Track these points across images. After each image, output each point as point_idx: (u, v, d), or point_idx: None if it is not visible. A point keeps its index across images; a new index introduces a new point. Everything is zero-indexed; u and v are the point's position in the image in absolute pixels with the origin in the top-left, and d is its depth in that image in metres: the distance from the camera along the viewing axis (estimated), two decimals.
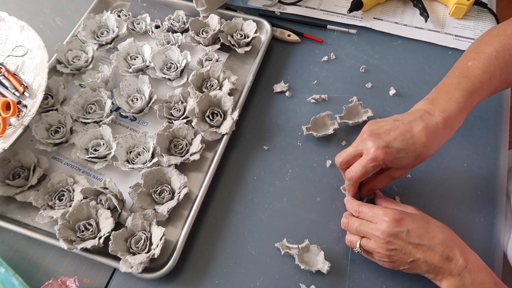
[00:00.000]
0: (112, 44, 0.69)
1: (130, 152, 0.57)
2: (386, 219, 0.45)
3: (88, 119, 0.60)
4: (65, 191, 0.54)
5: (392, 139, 0.45)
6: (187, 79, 0.64)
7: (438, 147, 0.47)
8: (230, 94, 0.61)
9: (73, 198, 0.54)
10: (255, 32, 0.67)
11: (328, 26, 0.71)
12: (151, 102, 0.61)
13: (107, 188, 0.53)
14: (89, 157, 0.57)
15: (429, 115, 0.46)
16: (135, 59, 0.66)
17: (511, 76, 0.50)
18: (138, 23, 0.72)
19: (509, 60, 0.49)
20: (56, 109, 0.61)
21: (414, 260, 0.44)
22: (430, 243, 0.43)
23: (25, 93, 0.60)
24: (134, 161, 0.57)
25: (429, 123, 0.46)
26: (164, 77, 0.64)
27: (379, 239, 0.45)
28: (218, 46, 0.68)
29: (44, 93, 0.56)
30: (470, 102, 0.48)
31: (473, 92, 0.48)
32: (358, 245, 0.48)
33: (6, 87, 0.60)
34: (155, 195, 0.54)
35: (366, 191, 0.52)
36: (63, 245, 0.49)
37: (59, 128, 0.59)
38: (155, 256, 0.49)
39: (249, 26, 0.68)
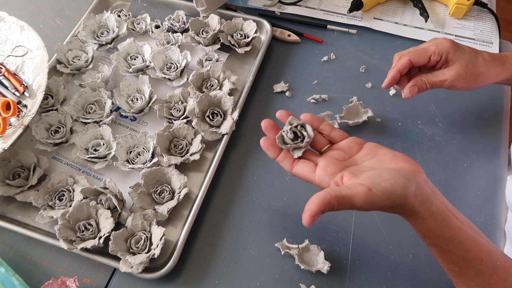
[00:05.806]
0: (112, 44, 0.69)
1: (130, 152, 0.57)
2: None
3: (88, 119, 0.60)
4: (65, 191, 0.54)
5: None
6: (187, 79, 0.64)
7: (491, 71, 0.51)
8: (230, 94, 0.61)
9: (73, 198, 0.54)
10: (255, 32, 0.67)
11: (328, 26, 0.71)
12: (151, 102, 0.61)
13: (107, 188, 0.53)
14: (89, 157, 0.57)
15: None
16: (135, 59, 0.66)
17: None
18: (138, 23, 0.72)
19: None
20: (56, 109, 0.61)
21: None
22: None
23: (25, 93, 0.60)
24: (134, 161, 0.57)
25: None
26: (164, 77, 0.64)
27: None
28: (218, 46, 0.68)
29: (44, 93, 0.56)
30: None
31: None
32: None
33: (6, 87, 0.60)
34: (155, 195, 0.54)
35: (414, 81, 0.52)
36: (63, 245, 0.49)
37: (59, 128, 0.59)
38: (155, 256, 0.49)
39: (249, 26, 0.68)
